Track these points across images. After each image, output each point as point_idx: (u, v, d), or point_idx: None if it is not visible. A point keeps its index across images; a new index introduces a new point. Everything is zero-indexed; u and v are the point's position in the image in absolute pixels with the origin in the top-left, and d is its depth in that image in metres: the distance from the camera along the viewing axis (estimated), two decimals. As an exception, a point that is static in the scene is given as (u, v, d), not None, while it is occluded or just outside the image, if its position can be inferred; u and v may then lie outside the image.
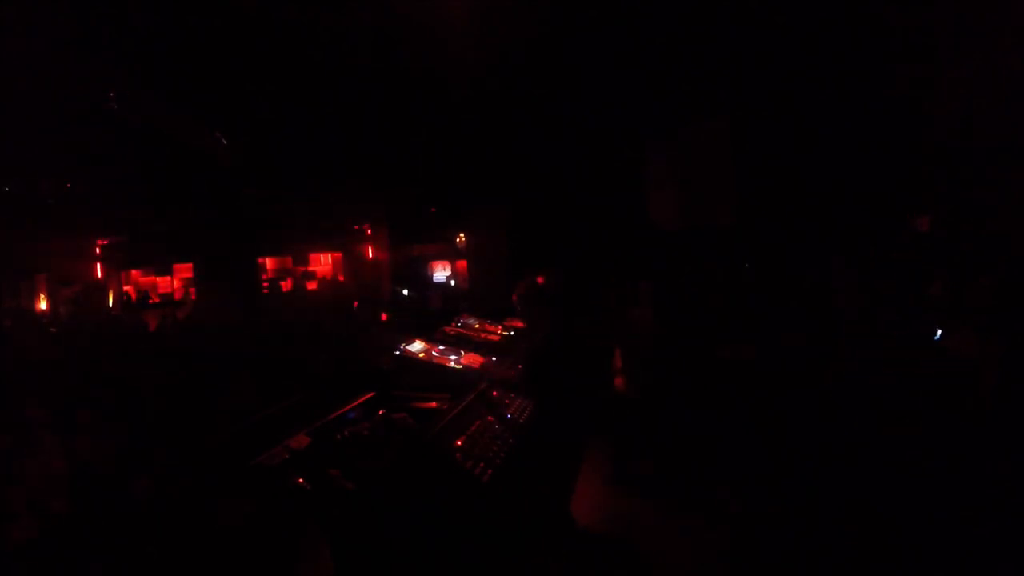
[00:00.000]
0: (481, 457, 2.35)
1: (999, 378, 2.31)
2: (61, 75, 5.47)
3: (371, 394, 2.87)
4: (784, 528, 3.02)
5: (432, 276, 13.78)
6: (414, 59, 5.73)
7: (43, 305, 12.12)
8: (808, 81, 5.39)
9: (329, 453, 2.19)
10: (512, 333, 4.23)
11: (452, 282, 13.39)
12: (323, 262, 14.89)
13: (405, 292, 11.55)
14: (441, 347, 3.62)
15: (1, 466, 2.45)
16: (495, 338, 4.15)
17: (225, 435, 2.36)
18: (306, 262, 14.58)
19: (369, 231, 11.92)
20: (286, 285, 13.90)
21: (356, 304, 9.58)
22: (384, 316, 8.65)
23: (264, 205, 10.03)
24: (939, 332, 3.02)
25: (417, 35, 5.28)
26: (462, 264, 12.73)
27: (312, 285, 13.74)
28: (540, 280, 2.94)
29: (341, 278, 14.19)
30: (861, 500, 2.85)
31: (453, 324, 4.43)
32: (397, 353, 3.39)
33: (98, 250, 12.12)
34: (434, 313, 8.82)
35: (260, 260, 13.23)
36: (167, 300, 13.23)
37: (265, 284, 13.35)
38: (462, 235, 12.30)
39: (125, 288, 13.40)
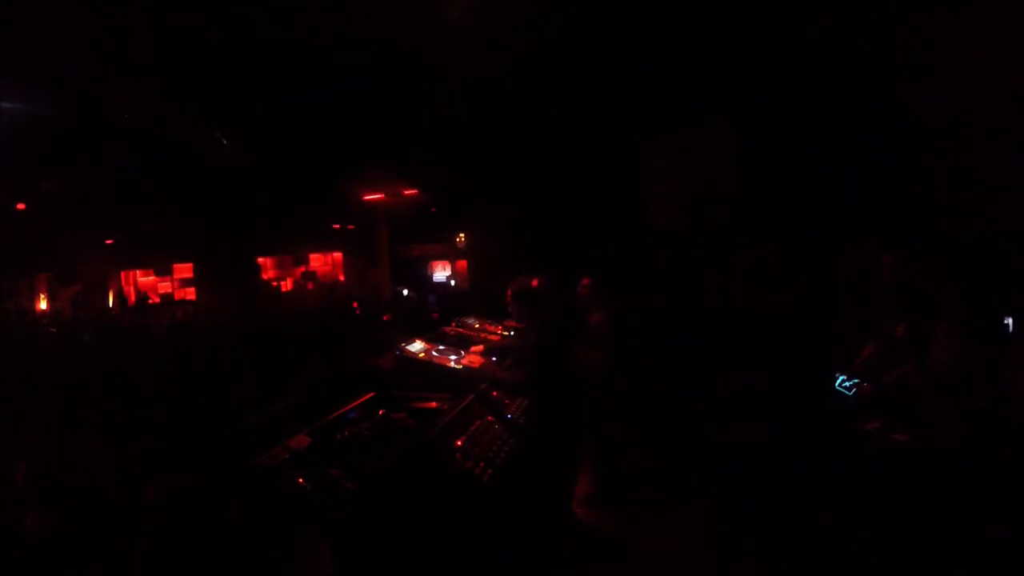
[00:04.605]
0: (481, 457, 2.36)
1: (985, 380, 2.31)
2: (63, 76, 5.47)
3: (371, 394, 2.87)
4: (784, 528, 3.03)
5: (432, 276, 13.80)
6: (415, 59, 5.73)
7: (43, 305, 12.13)
8: (808, 81, 5.39)
9: (329, 453, 2.19)
10: (512, 333, 4.23)
11: (452, 282, 13.41)
12: (323, 262, 14.89)
13: (405, 292, 11.57)
14: (441, 347, 3.62)
15: (1, 465, 2.45)
16: (495, 338, 4.16)
17: (225, 435, 2.36)
18: (306, 262, 14.59)
19: (368, 231, 11.94)
20: (286, 285, 13.91)
21: (356, 305, 9.58)
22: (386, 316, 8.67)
23: (264, 205, 10.03)
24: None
25: (418, 35, 5.28)
26: (462, 264, 12.74)
27: (312, 285, 13.76)
28: (534, 283, 2.93)
29: (341, 278, 14.18)
30: (861, 500, 2.85)
31: (453, 324, 4.43)
32: (397, 353, 3.38)
33: (98, 250, 12.12)
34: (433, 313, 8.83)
35: (260, 260, 13.24)
36: (167, 300, 13.26)
37: (264, 283, 13.37)
38: (462, 235, 12.30)
39: (125, 288, 13.41)
